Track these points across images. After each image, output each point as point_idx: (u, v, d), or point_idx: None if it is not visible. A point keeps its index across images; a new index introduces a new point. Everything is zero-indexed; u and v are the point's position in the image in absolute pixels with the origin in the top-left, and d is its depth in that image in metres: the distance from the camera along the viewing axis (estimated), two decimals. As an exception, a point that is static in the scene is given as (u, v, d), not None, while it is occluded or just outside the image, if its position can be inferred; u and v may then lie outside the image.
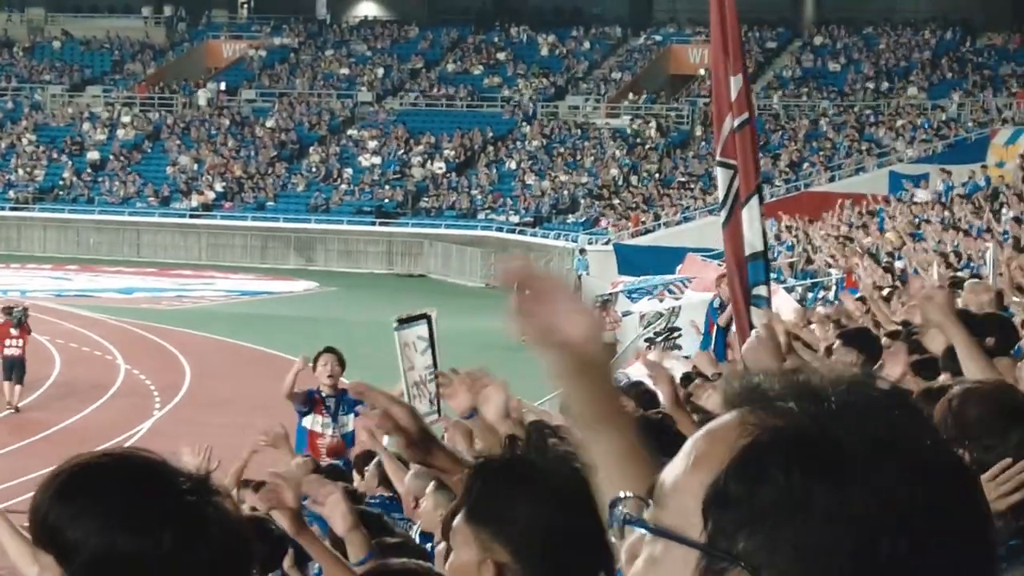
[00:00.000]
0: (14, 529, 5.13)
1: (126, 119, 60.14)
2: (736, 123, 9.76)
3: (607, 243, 43.00)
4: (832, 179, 45.13)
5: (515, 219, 50.05)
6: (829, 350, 8.95)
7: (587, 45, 61.59)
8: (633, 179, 51.43)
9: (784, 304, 17.66)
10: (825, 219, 33.62)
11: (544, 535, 2.64)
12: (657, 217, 45.90)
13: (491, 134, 55.80)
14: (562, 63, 60.45)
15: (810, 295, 24.46)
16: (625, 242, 42.23)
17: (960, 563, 1.34)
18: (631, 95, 56.79)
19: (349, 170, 55.02)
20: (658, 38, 61.69)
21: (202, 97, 61.26)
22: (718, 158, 10.22)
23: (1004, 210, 27.53)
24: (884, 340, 8.28)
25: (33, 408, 25.46)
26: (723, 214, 10.26)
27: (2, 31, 67.73)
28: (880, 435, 1.35)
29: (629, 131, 54.37)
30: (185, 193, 55.16)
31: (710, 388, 8.08)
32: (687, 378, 10.31)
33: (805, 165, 47.57)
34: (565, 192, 51.23)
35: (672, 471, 1.41)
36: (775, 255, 26.68)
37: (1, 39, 67.27)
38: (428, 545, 5.87)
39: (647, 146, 53.28)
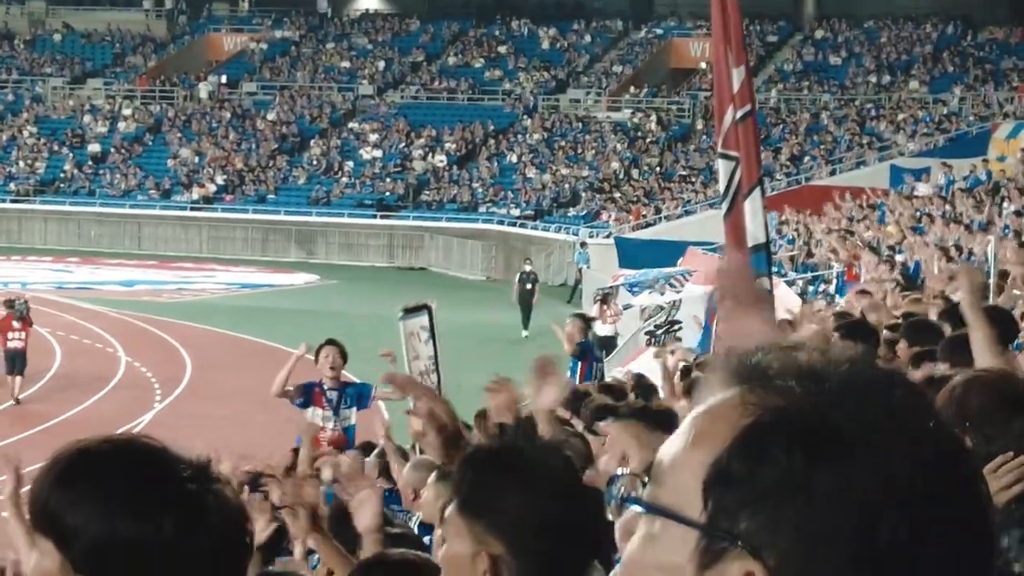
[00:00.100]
0: (21, 516, 5.12)
1: (127, 112, 60.11)
2: (739, 115, 9.72)
3: (608, 236, 42.93)
4: (833, 173, 45.04)
5: (516, 212, 50.01)
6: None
7: (588, 38, 61.53)
8: (634, 172, 51.39)
9: (785, 297, 17.64)
10: (826, 212, 33.56)
11: (537, 525, 2.64)
12: (658, 210, 45.87)
13: (492, 127, 55.76)
14: (563, 56, 60.40)
15: (811, 288, 24.45)
16: (626, 235, 42.17)
17: (960, 551, 1.33)
18: (632, 88, 56.75)
19: (350, 163, 54.98)
20: (659, 32, 61.63)
21: (203, 90, 61.23)
22: (719, 150, 10.19)
23: (1005, 204, 27.49)
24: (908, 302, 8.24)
25: (34, 400, 25.43)
26: (724, 206, 10.24)
27: (3, 23, 67.70)
28: (880, 419, 1.33)
29: (630, 124, 54.34)
30: (186, 186, 55.13)
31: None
32: (687, 370, 10.33)
33: (806, 159, 47.52)
34: (566, 185, 51.18)
35: (670, 449, 1.40)
36: (776, 248, 26.64)
37: (2, 31, 67.26)
38: (427, 537, 5.87)
39: (648, 140, 53.23)
